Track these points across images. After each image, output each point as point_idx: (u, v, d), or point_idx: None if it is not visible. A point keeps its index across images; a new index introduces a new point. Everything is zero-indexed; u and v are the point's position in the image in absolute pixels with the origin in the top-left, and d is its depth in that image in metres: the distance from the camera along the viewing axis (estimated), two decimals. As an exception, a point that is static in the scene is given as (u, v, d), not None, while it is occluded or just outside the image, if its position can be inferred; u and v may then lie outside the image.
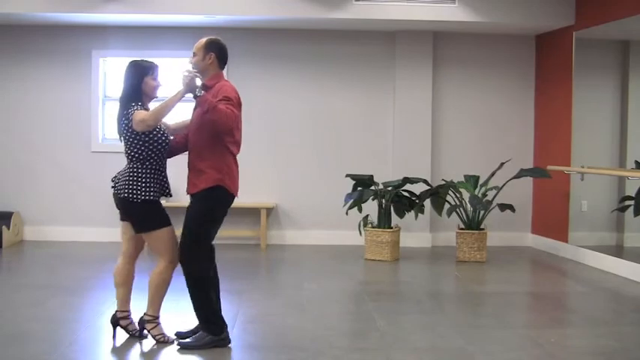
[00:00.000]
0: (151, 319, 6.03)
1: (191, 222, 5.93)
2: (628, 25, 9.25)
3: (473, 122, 11.35)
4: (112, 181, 6.10)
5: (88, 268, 9.33)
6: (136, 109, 5.82)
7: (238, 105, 5.92)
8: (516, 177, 10.10)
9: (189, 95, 5.81)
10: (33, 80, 11.05)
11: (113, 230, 10.95)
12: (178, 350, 5.89)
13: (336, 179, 10.65)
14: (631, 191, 9.44)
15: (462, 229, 10.09)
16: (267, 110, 11.21)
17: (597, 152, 10.25)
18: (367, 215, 10.06)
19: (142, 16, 10.27)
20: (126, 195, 5.83)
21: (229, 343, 5.98)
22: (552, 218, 10.79)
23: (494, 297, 8.21)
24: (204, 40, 6.08)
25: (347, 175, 10.24)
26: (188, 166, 6.05)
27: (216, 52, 6.04)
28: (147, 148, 5.86)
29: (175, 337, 6.06)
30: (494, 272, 9.54)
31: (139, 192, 5.82)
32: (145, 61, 6.05)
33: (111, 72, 11.27)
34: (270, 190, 11.17)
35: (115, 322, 6.13)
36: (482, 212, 10.01)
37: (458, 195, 10.04)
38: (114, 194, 6.04)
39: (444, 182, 10.22)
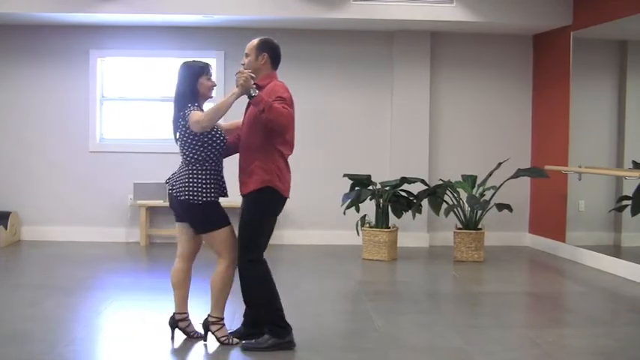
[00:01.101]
0: (216, 320, 5.98)
1: (243, 224, 5.93)
2: (625, 25, 9.25)
3: (470, 122, 11.36)
4: (167, 182, 6.06)
5: (86, 268, 9.31)
6: (192, 110, 5.79)
7: (291, 104, 5.88)
8: (514, 177, 10.11)
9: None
10: (30, 80, 11.03)
11: (111, 230, 11.00)
12: (242, 352, 5.85)
13: (333, 179, 10.63)
14: (628, 191, 9.44)
15: (459, 228, 10.09)
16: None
17: (595, 152, 10.26)
18: (365, 215, 10.06)
19: (139, 16, 10.27)
20: (186, 197, 5.79)
21: (294, 346, 5.91)
22: (550, 218, 10.80)
23: (492, 297, 8.22)
24: (256, 40, 6.04)
25: (344, 175, 10.23)
26: (239, 167, 6.01)
27: (269, 52, 6.01)
28: (205, 149, 5.83)
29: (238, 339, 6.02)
30: (491, 272, 9.54)
31: (199, 194, 5.79)
32: (199, 61, 6.02)
33: (108, 72, 11.26)
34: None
35: (174, 324, 6.10)
36: (479, 212, 10.01)
37: (455, 195, 10.04)
38: (170, 196, 5.98)
39: (441, 182, 10.22)
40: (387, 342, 6.12)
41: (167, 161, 11.04)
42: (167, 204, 10.81)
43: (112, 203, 11.10)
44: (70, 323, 6.63)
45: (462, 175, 10.33)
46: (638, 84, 9.58)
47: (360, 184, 10.07)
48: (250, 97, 5.69)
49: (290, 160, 6.11)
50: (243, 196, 5.99)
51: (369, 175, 10.11)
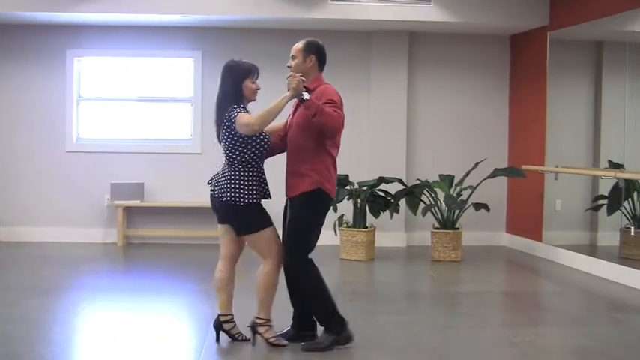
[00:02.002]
0: (263, 322, 5.93)
1: (293, 226, 5.88)
2: (601, 25, 9.31)
3: (448, 122, 11.39)
4: (209, 184, 6.00)
5: (63, 268, 9.26)
6: (239, 112, 5.73)
7: (342, 107, 5.83)
8: (491, 176, 10.14)
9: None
10: (6, 80, 10.97)
11: (88, 231, 10.94)
12: (303, 352, 5.82)
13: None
14: (604, 190, 9.50)
15: (436, 228, 10.11)
16: (242, 110, 11.19)
17: (571, 152, 10.31)
18: (342, 215, 10.06)
19: (116, 16, 10.22)
20: (228, 199, 5.74)
21: (352, 339, 5.90)
22: (527, 217, 10.85)
23: (469, 296, 8.24)
24: (302, 42, 6.01)
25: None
26: (287, 169, 5.99)
27: (316, 54, 5.98)
28: (249, 151, 5.78)
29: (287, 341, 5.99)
30: (469, 271, 9.58)
31: (241, 195, 5.74)
32: (245, 62, 5.95)
33: (85, 72, 11.21)
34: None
35: (218, 325, 6.05)
36: (457, 212, 10.04)
37: (433, 195, 10.06)
38: (212, 197, 5.94)
39: (419, 182, 10.24)
40: (365, 342, 6.11)
41: (144, 161, 11.09)
42: (144, 204, 10.86)
43: (88, 204, 11.05)
44: (48, 324, 6.59)
45: (440, 175, 10.36)
46: (613, 84, 9.64)
47: (338, 184, 10.06)
48: (302, 100, 5.67)
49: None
50: (290, 198, 5.97)
51: (347, 175, 10.11)
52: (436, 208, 10.03)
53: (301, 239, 5.87)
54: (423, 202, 10.12)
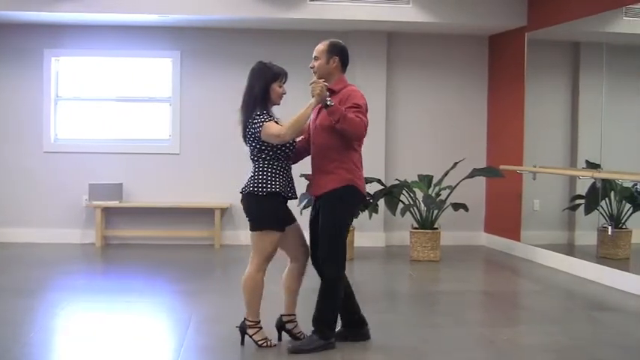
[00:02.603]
0: (252, 324, 5.92)
1: (325, 224, 5.85)
2: (579, 26, 9.37)
3: (427, 122, 11.41)
4: (240, 192, 5.92)
5: (41, 269, 9.20)
6: (264, 120, 5.68)
7: (366, 111, 5.85)
8: (469, 176, 10.16)
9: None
10: (-17, 79, 10.92)
11: (66, 231, 10.89)
12: (289, 353, 5.82)
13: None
14: (582, 190, 9.55)
15: (415, 228, 10.13)
16: (221, 110, 11.15)
17: (549, 152, 10.36)
18: (322, 215, 10.05)
19: (94, 15, 10.17)
20: (250, 189, 5.73)
21: (334, 347, 5.91)
22: (505, 217, 10.89)
23: (447, 296, 8.26)
24: (325, 43, 5.98)
25: (301, 175, 10.19)
26: (313, 169, 5.98)
27: (339, 55, 5.95)
28: (274, 152, 5.75)
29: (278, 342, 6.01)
30: (447, 271, 9.60)
31: (263, 185, 5.71)
32: (275, 65, 5.90)
33: (63, 71, 11.15)
34: (225, 191, 11.11)
35: (281, 326, 6.07)
36: (435, 212, 10.06)
37: (411, 195, 10.08)
38: (242, 199, 5.90)
39: (397, 182, 10.25)
40: (343, 343, 6.11)
41: (122, 161, 11.05)
42: (123, 205, 10.83)
43: (66, 204, 10.99)
44: (25, 325, 6.54)
45: (419, 175, 10.37)
46: (591, 84, 9.69)
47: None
48: (326, 106, 5.64)
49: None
50: (318, 197, 5.95)
51: (326, 175, 10.11)
52: (415, 208, 10.05)
53: (336, 237, 5.85)
54: (401, 202, 10.13)
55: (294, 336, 6.05)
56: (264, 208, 5.76)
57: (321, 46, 5.96)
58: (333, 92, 5.76)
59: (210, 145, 11.13)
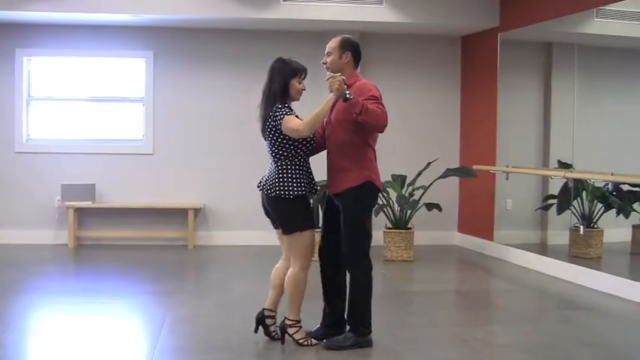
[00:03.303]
0: (293, 323, 5.94)
1: (348, 223, 5.88)
2: (551, 27, 9.42)
3: (400, 122, 11.39)
4: (258, 187, 5.98)
5: (12, 271, 9.12)
6: (286, 113, 5.72)
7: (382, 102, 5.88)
8: (443, 176, 10.20)
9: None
10: (-46, 79, 10.83)
11: (38, 232, 10.81)
12: (324, 350, 5.88)
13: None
14: (554, 190, 9.61)
15: (389, 228, 10.15)
16: (195, 110, 11.15)
17: (521, 152, 10.41)
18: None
19: (67, 15, 10.09)
20: (277, 193, 5.74)
21: (372, 344, 5.97)
22: (478, 217, 10.94)
23: (421, 296, 8.29)
24: (338, 38, 6.04)
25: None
26: (329, 165, 6.02)
27: (352, 50, 6.01)
28: (295, 147, 5.77)
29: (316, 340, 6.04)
30: (421, 271, 9.63)
31: (290, 188, 5.74)
32: (294, 62, 5.93)
33: (35, 71, 11.08)
34: (198, 191, 11.10)
35: (260, 319, 6.07)
36: (409, 212, 10.09)
37: (385, 194, 10.09)
38: (263, 196, 5.94)
39: (371, 182, 10.25)
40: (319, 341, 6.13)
41: (95, 162, 10.99)
42: (96, 205, 10.76)
43: (38, 205, 10.92)
44: (-3, 327, 6.51)
45: (392, 175, 10.38)
46: (562, 85, 9.75)
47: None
48: (346, 99, 5.66)
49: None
50: (335, 195, 5.98)
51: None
52: (388, 208, 10.06)
53: (358, 234, 5.91)
54: (375, 202, 10.13)
55: (269, 333, 6.07)
56: (294, 210, 5.82)
57: (333, 43, 6.03)
58: (346, 87, 5.82)
59: (184, 146, 11.10)
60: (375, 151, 6.05)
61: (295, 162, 5.82)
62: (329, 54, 6.02)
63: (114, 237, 10.98)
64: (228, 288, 8.28)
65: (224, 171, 11.13)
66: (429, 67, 11.51)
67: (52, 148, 10.97)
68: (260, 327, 6.10)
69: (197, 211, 11.00)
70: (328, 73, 5.87)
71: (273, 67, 5.91)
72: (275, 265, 6.17)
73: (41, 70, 11.13)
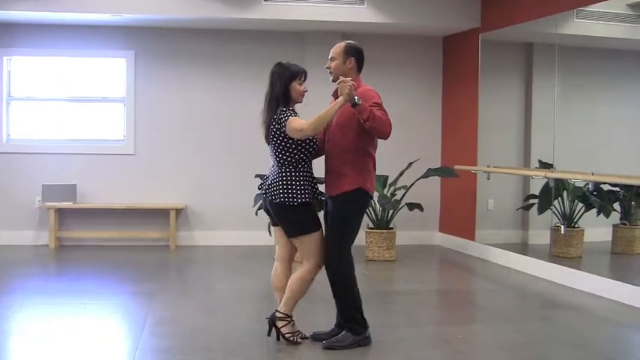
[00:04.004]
0: (283, 316, 5.96)
1: (335, 224, 5.97)
2: (531, 28, 9.46)
3: (381, 122, 11.43)
4: (260, 188, 6.04)
5: (-7, 271, 9.11)
6: (290, 115, 5.78)
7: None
8: (424, 176, 10.22)
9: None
10: None
11: (18, 233, 10.76)
12: (323, 350, 5.90)
13: (245, 180, 10.54)
14: (535, 190, 9.65)
15: (371, 228, 10.16)
16: (176, 110, 11.13)
17: (503, 152, 10.45)
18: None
19: (48, 15, 10.05)
20: (282, 199, 5.77)
21: (370, 342, 6.04)
22: (460, 217, 10.97)
23: (403, 295, 8.30)
24: (343, 44, 6.12)
25: (256, 176, 10.19)
26: (327, 168, 6.08)
27: (356, 56, 6.12)
28: (299, 152, 5.82)
29: (309, 337, 6.11)
30: (403, 271, 9.65)
31: (294, 195, 5.79)
32: (293, 65, 5.99)
33: (16, 71, 11.02)
34: (180, 191, 11.09)
35: (273, 321, 6.04)
36: (390, 212, 10.10)
37: (367, 194, 10.10)
38: (265, 200, 5.96)
39: (353, 182, 10.26)
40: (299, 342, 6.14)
41: (76, 162, 10.95)
42: (77, 206, 10.72)
43: (19, 205, 10.86)
44: (-24, 328, 6.48)
45: (374, 175, 10.39)
46: (543, 85, 9.79)
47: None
48: (354, 105, 5.71)
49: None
50: (330, 197, 6.04)
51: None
52: (370, 208, 10.07)
53: (342, 237, 5.97)
54: (357, 202, 10.14)
55: (283, 335, 6.05)
56: (299, 214, 5.88)
57: (337, 48, 6.11)
58: None
59: (165, 146, 11.08)
60: (374, 159, 6.12)
61: (299, 168, 5.87)
62: (333, 59, 6.10)
63: (95, 237, 10.94)
64: (210, 288, 8.28)
65: (206, 171, 11.12)
66: (410, 68, 11.53)
67: (32, 149, 10.92)
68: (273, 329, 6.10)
69: (179, 211, 10.98)
70: (341, 78, 5.89)
71: (273, 72, 5.98)
72: (269, 267, 6.19)
73: (22, 69, 11.07)
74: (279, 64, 6.00)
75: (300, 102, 6.07)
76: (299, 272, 5.97)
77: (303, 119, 5.84)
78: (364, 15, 10.28)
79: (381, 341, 6.21)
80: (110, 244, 10.90)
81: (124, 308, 7.49)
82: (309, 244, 5.91)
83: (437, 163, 11.24)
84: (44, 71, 11.12)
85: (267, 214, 6.15)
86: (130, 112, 11.04)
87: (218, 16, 10.12)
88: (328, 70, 6.12)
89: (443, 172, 10.47)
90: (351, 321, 6.02)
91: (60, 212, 10.78)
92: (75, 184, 10.79)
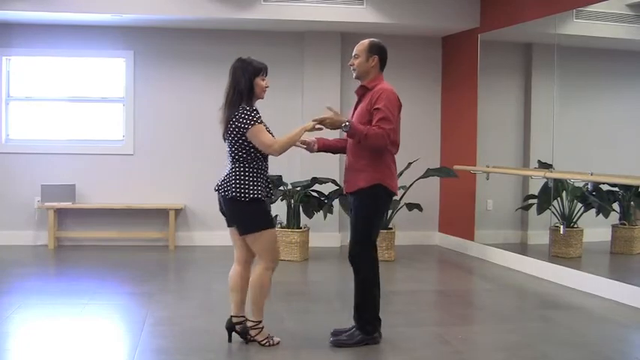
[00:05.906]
0: (254, 324, 5.96)
1: (356, 221, 6.01)
2: (531, 28, 9.46)
3: (381, 123, 11.44)
4: (216, 189, 5.97)
5: (-9, 272, 9.10)
6: (256, 120, 5.76)
7: (397, 108, 6.09)
8: (424, 176, 10.23)
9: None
10: None
11: (17, 233, 10.76)
12: (331, 347, 5.95)
13: (245, 180, 10.60)
14: (534, 190, 9.65)
15: (370, 228, 10.14)
16: (176, 110, 11.13)
17: (502, 152, 10.45)
18: (276, 215, 10.03)
19: (47, 15, 10.05)
20: (234, 194, 5.74)
21: (380, 340, 6.09)
22: (459, 217, 10.97)
23: (402, 295, 8.29)
24: (367, 41, 6.15)
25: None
26: (346, 166, 6.15)
27: (379, 54, 6.14)
28: (255, 150, 5.78)
29: (331, 334, 6.12)
30: (402, 271, 9.64)
31: (246, 191, 5.74)
32: (255, 60, 5.94)
33: (15, 71, 11.01)
34: (179, 191, 11.09)
35: (231, 327, 6.03)
36: (390, 212, 10.10)
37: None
38: (220, 197, 5.93)
39: (352, 182, 10.26)
40: (297, 342, 6.13)
41: (75, 162, 10.95)
42: (76, 206, 10.71)
43: (18, 205, 10.86)
44: (-25, 329, 6.47)
45: (373, 175, 10.39)
46: (542, 85, 9.79)
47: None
48: (345, 132, 5.89)
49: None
50: (349, 194, 6.10)
51: (280, 176, 10.12)
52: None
53: (363, 234, 6.01)
54: (356, 202, 10.14)
55: (244, 337, 6.06)
56: (251, 211, 5.82)
57: (361, 45, 6.15)
58: (366, 89, 6.08)
59: (164, 146, 11.08)
60: (393, 156, 6.15)
61: (253, 165, 5.82)
62: (356, 56, 6.15)
63: (94, 238, 10.94)
64: (209, 288, 8.27)
65: (205, 171, 11.09)
66: (409, 68, 11.52)
67: (31, 149, 10.91)
68: (233, 334, 6.08)
69: (178, 211, 10.98)
70: (318, 118, 6.08)
71: (236, 67, 5.92)
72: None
73: (21, 69, 11.07)
74: (240, 60, 5.94)
75: (262, 98, 6.03)
76: (255, 276, 5.92)
77: (269, 130, 5.85)
78: (363, 15, 10.28)
79: (381, 341, 6.20)
80: (109, 245, 10.90)
81: (123, 308, 7.48)
82: (262, 241, 5.85)
83: (436, 163, 11.25)
84: (43, 71, 11.11)
85: (223, 215, 6.08)
86: (129, 113, 11.03)
87: (217, 17, 10.12)
88: (351, 67, 6.17)
89: (442, 172, 10.47)
90: (365, 319, 6.05)
91: (59, 212, 10.78)
92: (74, 185, 10.79)
